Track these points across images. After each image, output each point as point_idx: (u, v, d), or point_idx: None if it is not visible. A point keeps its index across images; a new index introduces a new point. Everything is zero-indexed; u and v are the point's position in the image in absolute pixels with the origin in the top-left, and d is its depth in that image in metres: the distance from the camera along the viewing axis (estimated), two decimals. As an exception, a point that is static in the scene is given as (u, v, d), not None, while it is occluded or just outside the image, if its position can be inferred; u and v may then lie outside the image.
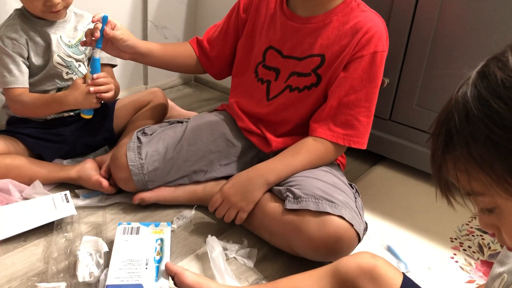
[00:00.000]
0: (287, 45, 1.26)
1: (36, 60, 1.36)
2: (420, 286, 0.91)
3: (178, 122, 1.41)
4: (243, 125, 1.36)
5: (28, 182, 1.31)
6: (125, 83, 1.61)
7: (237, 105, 1.38)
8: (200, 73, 1.51)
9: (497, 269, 0.72)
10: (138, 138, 1.32)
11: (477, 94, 0.52)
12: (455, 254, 1.25)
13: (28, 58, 1.35)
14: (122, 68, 1.89)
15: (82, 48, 1.45)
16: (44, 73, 1.38)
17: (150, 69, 2.13)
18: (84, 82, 1.33)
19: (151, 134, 1.34)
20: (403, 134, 1.58)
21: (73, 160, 1.47)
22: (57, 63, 1.38)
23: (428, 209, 1.44)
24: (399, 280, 0.88)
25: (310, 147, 1.22)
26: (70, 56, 1.41)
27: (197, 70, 1.47)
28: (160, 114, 1.60)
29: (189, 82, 2.35)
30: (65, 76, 1.42)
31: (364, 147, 1.26)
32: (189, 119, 1.42)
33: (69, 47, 1.41)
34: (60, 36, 1.39)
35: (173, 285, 1.03)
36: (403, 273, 0.91)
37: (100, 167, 1.38)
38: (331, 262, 0.97)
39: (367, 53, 1.18)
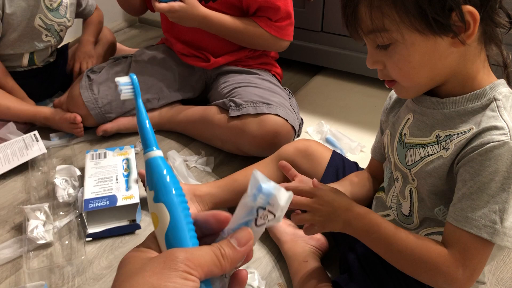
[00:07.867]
0: None
1: (15, 18, 1.39)
2: (348, 158, 1.10)
3: (123, 57, 1.52)
4: (181, 51, 1.47)
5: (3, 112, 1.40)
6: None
7: (170, 35, 1.48)
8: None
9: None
10: (88, 76, 1.43)
11: None
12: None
13: (3, 11, 1.37)
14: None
15: (63, 12, 1.50)
16: (22, 33, 1.43)
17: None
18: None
19: (99, 72, 1.45)
20: (335, 43, 1.73)
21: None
22: (38, 24, 1.44)
23: (362, 105, 1.62)
24: (328, 155, 1.06)
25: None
26: (51, 20, 1.47)
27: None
28: (108, 49, 1.70)
29: (134, 24, 2.41)
30: (44, 38, 1.49)
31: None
32: (132, 55, 1.52)
33: (50, 10, 1.46)
34: None
35: (144, 191, 1.20)
36: (333, 150, 1.09)
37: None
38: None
39: None
